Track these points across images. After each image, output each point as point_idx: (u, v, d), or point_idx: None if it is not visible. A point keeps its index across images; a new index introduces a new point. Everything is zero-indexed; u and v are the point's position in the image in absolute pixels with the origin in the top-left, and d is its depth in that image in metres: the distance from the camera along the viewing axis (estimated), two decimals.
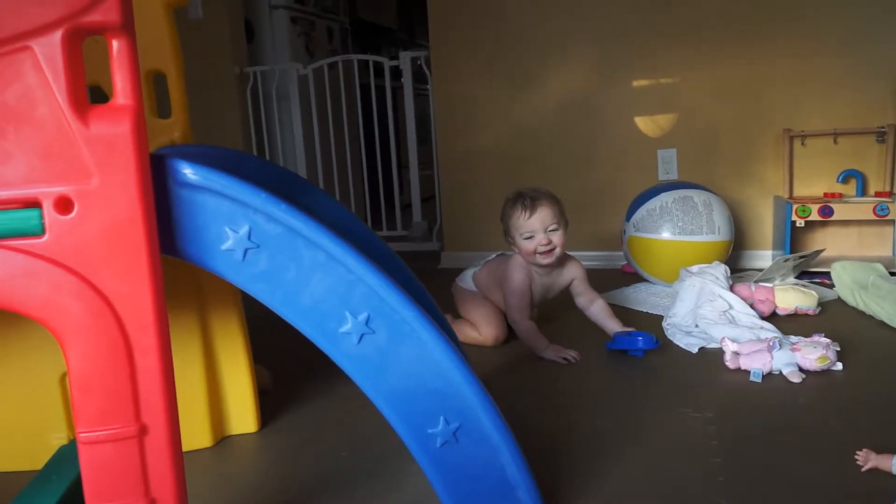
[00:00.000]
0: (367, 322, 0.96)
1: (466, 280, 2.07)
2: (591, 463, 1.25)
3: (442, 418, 0.99)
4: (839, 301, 2.19)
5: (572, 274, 1.95)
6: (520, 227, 1.83)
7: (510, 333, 1.97)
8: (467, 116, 3.02)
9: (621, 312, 2.19)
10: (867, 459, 1.16)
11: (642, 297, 2.33)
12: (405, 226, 3.44)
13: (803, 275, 2.47)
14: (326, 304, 0.95)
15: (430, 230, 3.35)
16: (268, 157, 3.49)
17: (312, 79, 3.39)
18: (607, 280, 2.61)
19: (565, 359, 1.78)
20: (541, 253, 1.83)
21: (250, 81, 3.40)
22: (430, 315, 1.45)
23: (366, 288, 0.95)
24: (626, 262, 2.69)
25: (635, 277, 2.60)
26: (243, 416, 1.46)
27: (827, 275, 2.33)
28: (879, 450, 1.16)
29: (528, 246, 1.84)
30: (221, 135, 3.36)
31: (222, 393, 1.44)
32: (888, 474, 1.13)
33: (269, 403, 1.58)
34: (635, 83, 2.82)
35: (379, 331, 0.97)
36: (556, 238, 1.83)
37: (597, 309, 1.94)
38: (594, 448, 1.30)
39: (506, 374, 1.76)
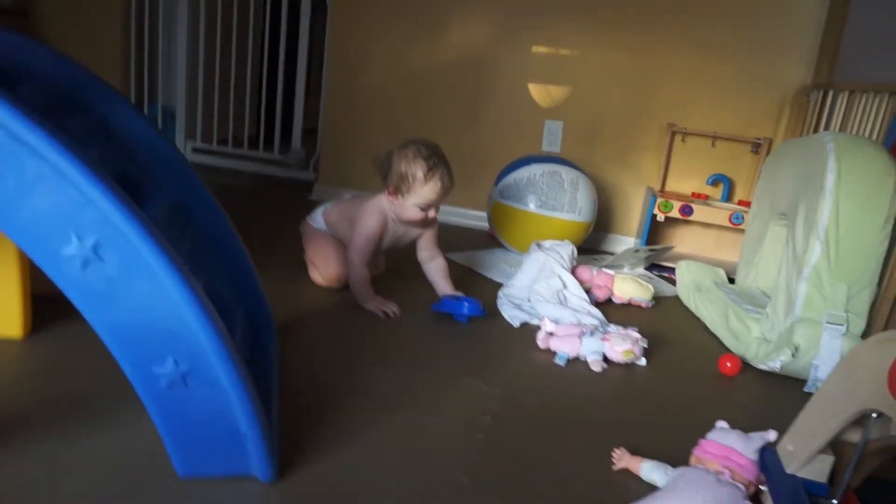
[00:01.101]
0: (94, 249, 0.86)
1: (316, 218, 1.98)
2: (353, 421, 1.21)
3: (171, 359, 0.92)
4: (676, 299, 2.24)
5: (426, 230, 1.89)
6: (422, 196, 1.73)
7: None
8: (362, 52, 2.88)
9: (466, 274, 2.17)
10: (621, 458, 1.17)
11: (492, 262, 2.31)
12: (283, 151, 3.29)
13: (654, 267, 2.52)
14: (49, 223, 0.85)
15: (307, 160, 3.22)
16: (146, 57, 3.23)
17: None
18: (469, 239, 2.58)
19: (385, 312, 1.73)
20: (419, 219, 1.77)
21: None
22: (225, 246, 1.38)
23: (97, 212, 0.85)
24: (490, 228, 2.66)
25: (497, 243, 2.58)
26: (6, 318, 1.34)
27: (674, 270, 2.38)
28: (639, 452, 1.18)
29: (417, 216, 1.76)
30: (96, 16, 3.08)
31: None
32: (636, 477, 1.15)
33: (53, 310, 1.45)
34: (535, 49, 2.76)
35: (109, 260, 0.88)
36: (437, 210, 1.79)
37: (434, 267, 1.89)
38: (364, 407, 1.27)
39: (323, 318, 1.70)
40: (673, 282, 2.36)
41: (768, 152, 2.58)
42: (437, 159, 1.74)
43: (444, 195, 1.77)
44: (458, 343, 1.66)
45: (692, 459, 1.12)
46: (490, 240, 2.65)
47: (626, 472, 1.16)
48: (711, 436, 1.13)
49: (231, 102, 3.33)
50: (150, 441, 1.00)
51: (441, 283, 1.87)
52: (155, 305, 0.89)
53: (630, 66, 2.69)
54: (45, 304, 1.44)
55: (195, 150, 3.39)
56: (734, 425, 1.15)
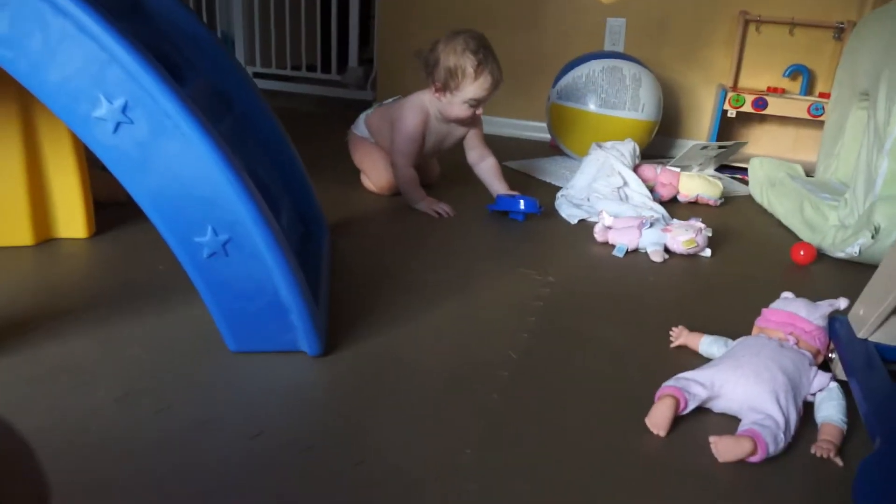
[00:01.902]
0: (123, 110, 0.86)
1: (359, 125, 1.94)
2: (404, 308, 1.20)
3: (210, 228, 0.92)
4: (749, 198, 2.12)
5: (471, 128, 1.84)
6: (471, 92, 1.66)
7: None
8: None
9: (523, 179, 2.11)
10: (679, 335, 1.12)
11: (552, 169, 2.24)
12: (340, 72, 3.26)
13: (726, 169, 2.38)
14: (77, 83, 0.85)
15: (365, 79, 3.18)
16: None
17: None
18: (529, 151, 2.51)
19: (437, 212, 1.71)
20: (465, 116, 1.72)
21: None
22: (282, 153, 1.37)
23: (121, 71, 0.85)
24: (552, 138, 2.58)
25: (560, 154, 2.50)
26: (72, 220, 1.39)
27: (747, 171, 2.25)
28: (699, 331, 1.12)
29: (465, 113, 1.71)
30: None
31: (48, 192, 1.36)
32: (693, 352, 1.10)
33: (118, 215, 1.50)
34: None
35: (138, 122, 0.88)
36: (482, 108, 1.74)
37: (486, 167, 1.84)
38: (416, 297, 1.26)
39: (376, 220, 1.70)
40: (746, 183, 2.23)
41: None
42: (486, 52, 1.67)
43: (494, 90, 1.70)
44: (513, 240, 1.62)
45: (754, 330, 1.07)
46: (552, 150, 2.57)
47: (684, 349, 1.12)
48: (775, 304, 1.06)
49: (287, 28, 3.30)
50: (204, 323, 1.02)
51: (494, 182, 1.82)
52: (187, 170, 0.90)
53: None
54: (109, 211, 1.49)
55: (255, 74, 3.41)
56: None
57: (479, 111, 1.73)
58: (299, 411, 0.90)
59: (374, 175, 1.85)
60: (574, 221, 1.74)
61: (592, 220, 1.75)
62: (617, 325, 1.19)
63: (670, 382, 0.92)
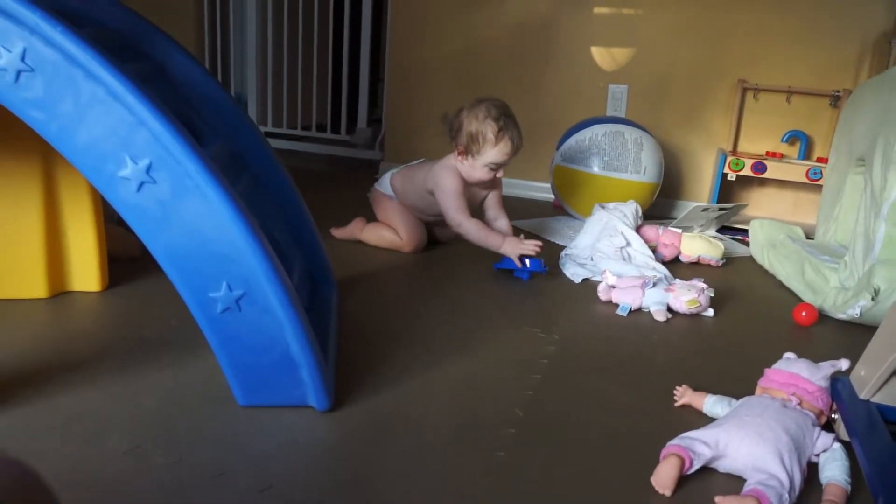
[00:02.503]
0: (148, 170, 0.91)
1: (384, 184, 2.00)
2: (409, 364, 1.22)
3: (225, 283, 0.95)
4: (750, 259, 2.15)
5: (492, 191, 1.90)
6: (492, 156, 1.74)
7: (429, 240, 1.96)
8: (423, 25, 2.89)
9: (531, 238, 2.14)
10: (683, 395, 1.14)
11: (557, 228, 2.28)
12: (350, 132, 3.35)
13: (726, 230, 2.42)
14: (105, 145, 0.90)
15: (373, 139, 3.26)
16: (219, 47, 3.36)
17: None
18: (534, 211, 2.56)
19: (527, 252, 1.73)
20: (487, 178, 1.78)
21: None
22: (289, 211, 1.42)
23: (148, 133, 0.89)
24: (556, 198, 2.63)
25: (563, 213, 2.54)
26: (86, 274, 1.42)
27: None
28: (703, 390, 1.14)
29: (486, 176, 1.77)
30: (171, 7, 3.22)
31: (64, 245, 1.39)
32: (697, 412, 1.11)
33: (131, 269, 1.54)
34: (596, 10, 2.70)
35: (161, 182, 0.92)
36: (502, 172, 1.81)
37: (499, 227, 1.88)
38: (422, 353, 1.28)
39: (385, 276, 1.73)
40: (747, 244, 2.26)
41: None
42: (507, 119, 1.74)
43: (514, 154, 1.77)
44: (518, 298, 1.64)
45: (757, 390, 1.08)
46: (556, 210, 2.62)
47: (688, 408, 1.13)
48: (778, 365, 1.08)
49: (299, 89, 3.41)
50: (215, 376, 1.04)
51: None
52: (206, 227, 0.93)
53: (696, 23, 2.60)
54: (122, 265, 1.53)
55: (267, 134, 3.49)
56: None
57: (500, 174, 1.79)
58: (308, 466, 0.91)
59: (405, 231, 1.89)
60: (578, 280, 1.77)
61: (596, 279, 1.77)
62: (622, 384, 1.20)
63: (675, 441, 0.93)
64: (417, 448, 0.96)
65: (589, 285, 1.74)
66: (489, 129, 1.72)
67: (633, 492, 0.89)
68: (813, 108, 2.55)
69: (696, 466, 0.91)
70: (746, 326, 1.57)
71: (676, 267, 1.96)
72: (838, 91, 2.48)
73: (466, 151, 1.76)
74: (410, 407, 1.07)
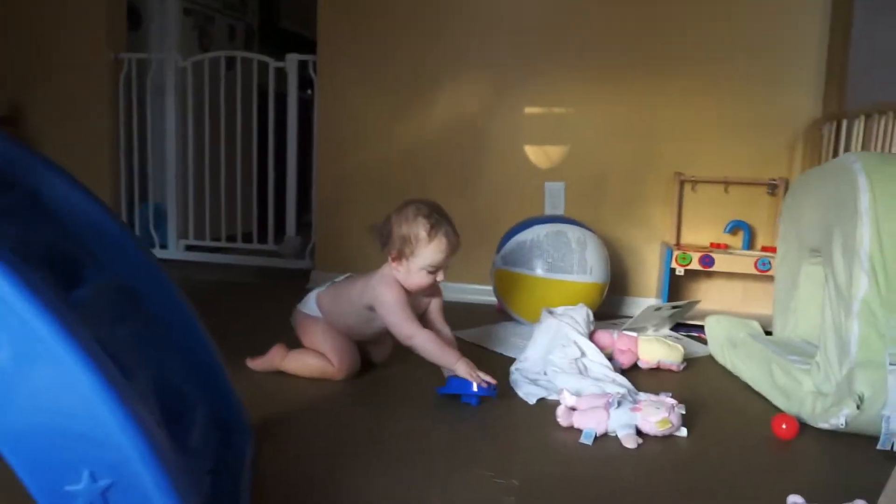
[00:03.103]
0: None
1: (310, 304, 1.79)
2: None
3: (87, 472, 0.73)
4: (710, 358, 2.02)
5: (433, 298, 1.73)
6: (428, 257, 1.57)
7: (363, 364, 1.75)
8: (351, 130, 2.79)
9: (476, 351, 1.97)
10: None
11: (503, 337, 2.11)
12: (277, 242, 3.16)
13: (681, 327, 2.30)
14: None
15: (303, 248, 3.08)
16: (136, 150, 3.17)
17: (191, 73, 3.12)
18: (476, 317, 2.39)
19: (482, 377, 1.53)
20: (428, 285, 1.62)
21: (124, 69, 3.09)
22: (185, 327, 1.20)
23: None
24: (498, 302, 2.48)
25: (508, 319, 2.38)
26: None
27: (703, 329, 2.17)
28: None
29: (426, 281, 1.60)
30: (86, 118, 3.04)
31: None
32: None
33: None
34: (527, 110, 2.65)
35: (6, 348, 0.70)
36: (443, 273, 1.63)
37: (442, 338, 1.69)
38: None
39: (311, 413, 1.50)
40: (703, 341, 2.14)
41: (786, 192, 2.41)
42: (438, 216, 1.60)
43: (452, 253, 1.61)
44: (467, 429, 1.44)
45: None
46: (500, 315, 2.46)
47: None
48: None
49: (223, 198, 3.22)
50: None
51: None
52: (62, 404, 0.71)
53: (630, 118, 2.57)
54: None
55: (188, 247, 3.28)
56: (806, 497, 0.92)
57: (441, 277, 1.62)
58: None
59: (337, 355, 1.67)
60: (532, 401, 1.58)
61: (552, 397, 1.59)
62: None
63: None
64: None
65: (545, 407, 1.56)
66: (421, 227, 1.57)
67: None
68: (751, 196, 2.52)
69: None
70: (724, 447, 1.40)
71: (635, 374, 1.80)
72: (774, 180, 2.46)
73: (400, 256, 1.59)
74: None
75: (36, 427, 0.72)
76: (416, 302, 1.67)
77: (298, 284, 2.82)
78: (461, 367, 1.54)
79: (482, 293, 2.66)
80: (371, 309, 1.64)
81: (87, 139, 3.08)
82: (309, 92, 3.09)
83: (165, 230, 3.25)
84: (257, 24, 4.20)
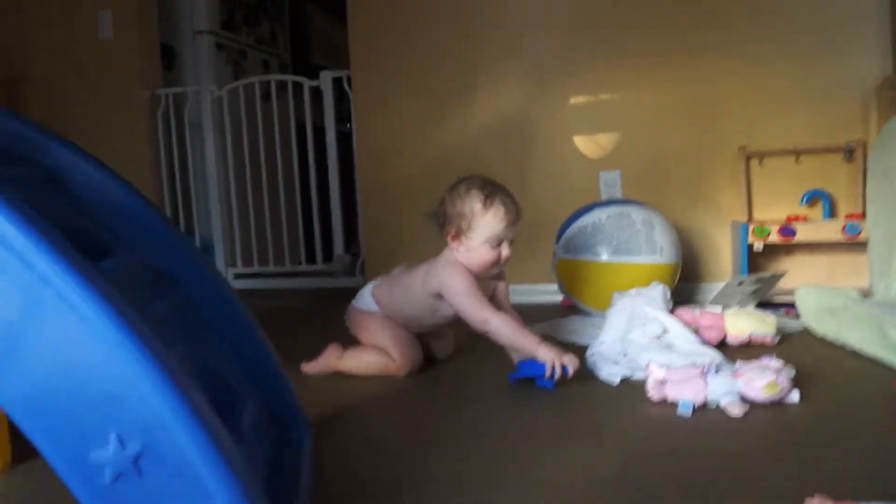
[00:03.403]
0: None
1: (365, 298, 1.67)
2: None
3: (114, 437, 0.62)
4: (805, 332, 1.83)
5: (499, 282, 1.59)
6: (487, 228, 1.44)
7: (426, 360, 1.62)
8: (391, 140, 2.72)
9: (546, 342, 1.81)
10: None
11: (574, 327, 1.95)
12: (326, 259, 3.07)
13: (766, 306, 2.10)
14: None
15: (352, 265, 2.99)
16: (178, 184, 3.15)
17: (227, 102, 3.10)
18: (543, 314, 2.23)
19: (563, 361, 1.38)
20: (495, 264, 1.48)
21: (161, 105, 3.10)
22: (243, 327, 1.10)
23: None
24: (564, 296, 2.33)
25: (576, 312, 2.23)
26: None
27: (793, 305, 1.97)
28: (841, 497, 0.78)
29: (491, 257, 1.46)
30: (128, 155, 3.03)
31: None
32: None
33: None
34: (573, 101, 2.53)
35: (8, 295, 0.60)
36: (510, 247, 1.49)
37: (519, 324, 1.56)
38: (437, 496, 0.91)
39: (376, 409, 1.37)
40: (792, 317, 1.94)
41: (865, 154, 2.22)
42: (492, 186, 1.48)
43: (513, 223, 1.47)
44: (548, 412, 1.29)
45: None
46: (568, 311, 2.30)
47: None
48: None
49: (267, 225, 3.16)
50: None
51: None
52: (79, 357, 0.61)
53: (683, 96, 2.43)
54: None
55: (237, 275, 3.22)
56: None
57: (506, 252, 1.48)
58: None
59: (399, 349, 1.55)
60: (616, 381, 1.42)
61: (637, 376, 1.43)
62: None
63: None
64: None
65: (630, 386, 1.40)
66: (475, 199, 1.45)
67: None
68: (826, 164, 2.33)
69: None
70: (847, 409, 1.22)
71: (726, 351, 1.61)
72: (851, 142, 2.26)
73: (458, 234, 1.47)
74: None
75: (51, 388, 0.62)
76: (482, 286, 1.54)
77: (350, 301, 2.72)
78: (543, 351, 1.39)
79: (546, 293, 2.51)
80: (437, 297, 1.51)
81: (130, 176, 3.03)
82: (348, 126, 3.04)
83: (213, 262, 3.21)
84: (289, 59, 4.22)
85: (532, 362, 1.40)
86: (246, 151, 3.16)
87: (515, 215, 1.47)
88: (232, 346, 1.08)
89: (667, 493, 0.90)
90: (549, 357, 1.38)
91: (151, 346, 0.63)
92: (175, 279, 1.04)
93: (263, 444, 0.97)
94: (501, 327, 1.43)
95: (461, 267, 1.48)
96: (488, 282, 1.55)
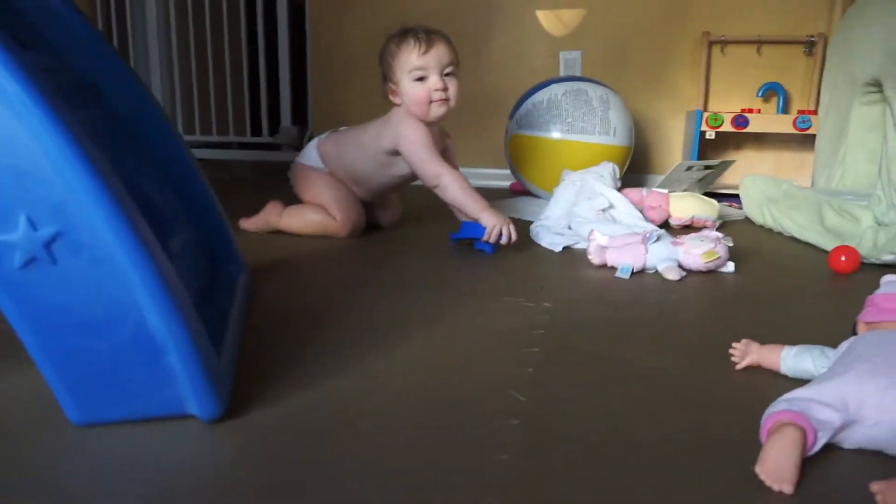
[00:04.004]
0: None
1: (310, 155, 1.60)
2: (353, 347, 0.85)
3: (24, 218, 0.57)
4: (746, 221, 1.86)
5: (447, 142, 1.56)
6: (410, 64, 1.40)
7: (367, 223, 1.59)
8: (345, 5, 2.57)
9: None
10: (745, 353, 0.79)
11: (521, 206, 1.95)
12: (272, 131, 2.96)
13: (708, 196, 2.13)
14: None
15: (300, 137, 2.89)
16: (115, 40, 2.94)
17: None
18: (491, 198, 2.21)
19: (508, 229, 1.36)
20: (436, 101, 1.41)
21: None
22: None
23: None
24: (514, 181, 2.31)
25: (524, 195, 2.22)
26: None
27: (736, 198, 2.00)
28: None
29: (420, 91, 1.41)
30: None
31: None
32: (771, 373, 0.77)
33: None
34: None
35: None
36: (453, 86, 1.42)
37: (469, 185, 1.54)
38: (368, 336, 0.90)
39: (311, 261, 1.35)
40: (735, 209, 1.97)
41: (824, 52, 2.20)
42: (405, 29, 1.44)
43: (426, 51, 1.40)
44: (488, 270, 1.29)
45: (860, 328, 0.74)
46: (516, 195, 2.28)
47: (755, 370, 0.78)
48: (884, 290, 0.75)
49: (211, 91, 3.00)
50: (41, 386, 0.65)
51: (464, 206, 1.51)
52: None
53: None
54: None
55: None
56: None
57: (437, 84, 1.40)
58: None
59: (340, 209, 1.51)
60: (558, 249, 1.43)
61: (580, 246, 1.44)
62: (653, 350, 0.85)
63: (780, 406, 0.58)
64: (373, 460, 0.58)
65: (573, 253, 1.41)
66: (390, 43, 1.45)
67: (730, 494, 0.54)
68: (786, 57, 2.31)
69: (822, 442, 0.56)
70: (776, 280, 1.25)
71: (668, 232, 1.64)
72: (813, 36, 2.25)
73: (389, 77, 1.45)
74: (357, 403, 0.69)
75: None
76: (435, 139, 1.50)
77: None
78: (486, 214, 1.38)
79: (496, 177, 2.49)
80: (391, 153, 1.47)
81: None
82: None
83: None
84: None
85: (475, 224, 1.39)
86: (190, 11, 2.96)
87: (428, 44, 1.41)
88: (162, 172, 1.02)
89: (600, 336, 0.91)
90: (492, 221, 1.37)
91: (65, 118, 0.58)
92: (99, 91, 0.96)
93: (193, 270, 0.93)
94: (452, 183, 1.41)
95: (416, 120, 1.44)
96: (439, 137, 1.51)
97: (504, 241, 1.36)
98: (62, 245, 0.58)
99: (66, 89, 0.86)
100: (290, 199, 1.60)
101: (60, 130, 0.56)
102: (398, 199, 1.71)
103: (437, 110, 1.42)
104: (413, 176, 1.51)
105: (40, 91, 0.56)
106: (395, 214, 1.68)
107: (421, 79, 1.41)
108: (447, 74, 1.42)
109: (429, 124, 1.44)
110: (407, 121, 1.43)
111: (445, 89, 1.41)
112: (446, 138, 1.55)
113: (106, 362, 0.61)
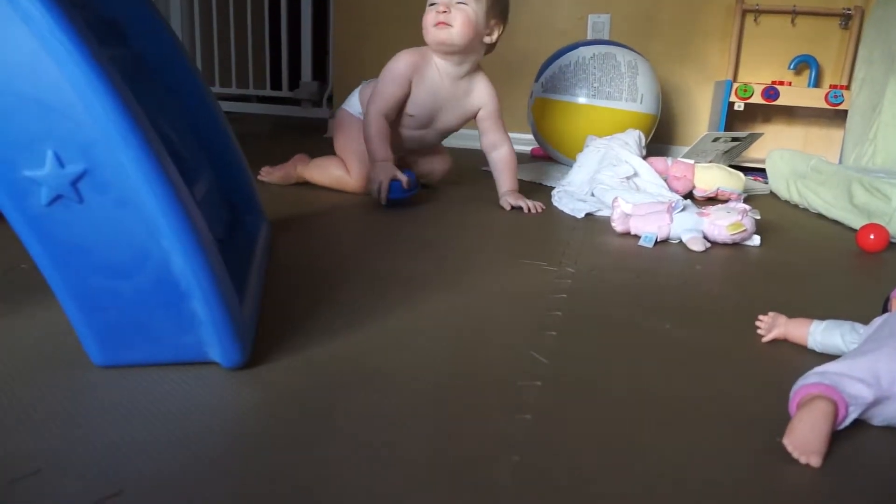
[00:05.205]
0: None
1: (353, 101, 1.57)
2: (376, 301, 0.84)
3: (51, 154, 0.56)
4: (771, 196, 1.83)
5: (481, 98, 1.49)
6: None
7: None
8: None
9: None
10: (772, 326, 0.78)
11: (543, 172, 1.92)
12: (293, 86, 2.93)
13: (738, 170, 2.09)
14: None
15: (320, 94, 2.86)
16: None
17: None
18: None
19: (381, 188, 1.34)
20: (434, 25, 1.36)
21: None
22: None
23: None
24: (536, 146, 2.28)
25: (546, 161, 2.19)
26: None
27: (761, 172, 1.97)
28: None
29: (427, 15, 1.38)
30: None
31: None
32: (797, 347, 0.76)
33: None
34: None
35: None
36: (460, 14, 1.35)
37: (497, 157, 1.51)
38: (394, 288, 0.90)
39: (336, 214, 1.34)
40: (760, 184, 1.94)
41: (861, 25, 2.14)
42: None
43: None
44: (510, 234, 1.28)
45: (893, 305, 0.73)
46: (537, 160, 2.26)
47: (781, 344, 0.77)
48: None
49: (232, 44, 2.97)
50: (64, 328, 0.65)
51: (501, 177, 1.49)
52: (12, 59, 0.54)
53: None
54: None
55: None
56: None
57: (452, 13, 1.35)
58: (209, 454, 0.52)
59: (358, 165, 1.47)
60: (580, 215, 1.41)
61: (603, 213, 1.42)
62: (677, 319, 0.84)
63: (812, 379, 0.57)
64: (393, 414, 0.58)
65: (595, 220, 1.39)
66: None
67: (757, 465, 0.53)
68: (821, 30, 2.25)
69: (853, 416, 0.55)
70: (803, 256, 1.23)
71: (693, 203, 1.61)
72: (849, 9, 2.17)
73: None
74: (379, 358, 0.69)
75: None
76: (458, 90, 1.46)
77: (315, 136, 2.62)
78: (379, 170, 1.36)
79: (518, 142, 2.44)
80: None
81: None
82: None
83: None
84: None
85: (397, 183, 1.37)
86: None
87: None
88: (187, 119, 1.01)
89: (623, 303, 0.90)
90: (379, 176, 1.35)
91: (96, 54, 0.56)
92: (125, 32, 0.95)
93: (215, 218, 0.93)
94: (366, 127, 1.40)
95: (415, 55, 1.42)
96: (465, 86, 1.47)
97: (530, 210, 1.35)
98: (89, 183, 0.57)
99: (94, 25, 0.84)
100: (311, 154, 1.59)
101: (92, 64, 0.55)
102: (445, 153, 1.66)
103: (435, 34, 1.37)
104: (440, 114, 1.48)
105: (70, 20, 0.55)
106: (439, 171, 1.64)
107: (431, 3, 1.38)
108: (459, 3, 1.36)
109: (437, 47, 1.39)
110: (409, 51, 1.42)
111: (445, 12, 1.35)
112: (484, 95, 1.48)
113: (129, 304, 0.61)
